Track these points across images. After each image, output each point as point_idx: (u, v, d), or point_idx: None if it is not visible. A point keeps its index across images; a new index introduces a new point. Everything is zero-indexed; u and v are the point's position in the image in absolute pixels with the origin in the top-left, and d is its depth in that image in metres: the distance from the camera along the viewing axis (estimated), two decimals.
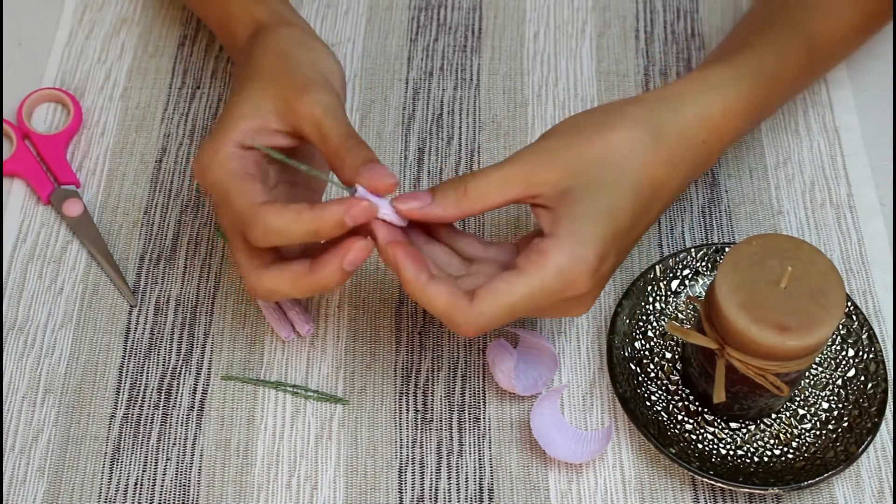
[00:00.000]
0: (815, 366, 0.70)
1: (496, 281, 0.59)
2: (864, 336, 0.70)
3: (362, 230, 0.60)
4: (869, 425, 0.66)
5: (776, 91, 0.68)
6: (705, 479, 0.65)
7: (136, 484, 0.67)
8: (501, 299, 0.58)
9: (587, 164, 0.60)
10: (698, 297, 0.72)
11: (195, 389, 0.70)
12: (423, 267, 0.59)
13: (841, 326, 0.70)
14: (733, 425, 0.68)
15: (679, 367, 0.70)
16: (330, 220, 0.58)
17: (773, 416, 0.69)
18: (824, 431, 0.68)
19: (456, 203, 0.60)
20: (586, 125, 0.62)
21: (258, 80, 0.64)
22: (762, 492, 0.65)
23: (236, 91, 0.64)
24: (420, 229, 0.63)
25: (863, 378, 0.69)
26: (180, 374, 0.71)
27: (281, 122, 0.62)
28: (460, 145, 0.80)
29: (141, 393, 0.70)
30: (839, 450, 0.66)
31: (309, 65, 0.65)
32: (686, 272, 0.73)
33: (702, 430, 0.68)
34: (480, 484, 0.67)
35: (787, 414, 0.69)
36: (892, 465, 0.68)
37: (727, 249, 0.73)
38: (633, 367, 0.70)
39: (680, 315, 0.72)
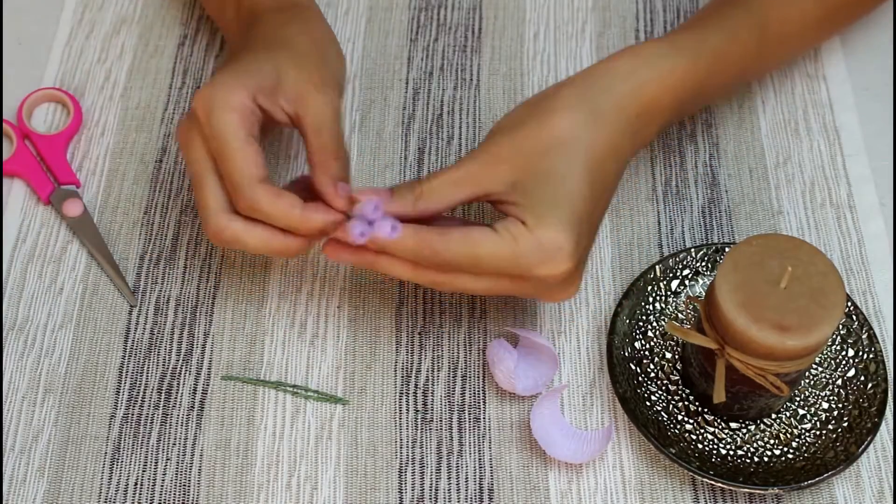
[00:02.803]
0: (815, 366, 0.70)
1: (472, 227, 0.62)
2: (864, 336, 0.70)
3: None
4: (869, 425, 0.66)
5: (720, 69, 0.69)
6: (705, 479, 0.65)
7: (136, 484, 0.67)
8: (470, 245, 0.61)
9: (533, 157, 0.62)
10: (698, 297, 0.72)
11: (195, 389, 0.70)
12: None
13: (841, 326, 0.70)
14: (733, 425, 0.68)
15: (679, 367, 0.70)
16: (314, 226, 0.62)
17: (773, 416, 0.69)
18: (824, 431, 0.68)
19: (412, 203, 0.63)
20: (527, 116, 0.64)
21: (287, 52, 0.66)
22: (762, 492, 0.65)
23: (259, 47, 0.67)
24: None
25: (863, 378, 0.69)
26: (180, 374, 0.71)
27: (289, 101, 0.65)
28: (460, 145, 0.80)
29: (141, 393, 0.70)
30: (839, 450, 0.66)
31: (334, 61, 0.69)
32: (686, 272, 0.73)
33: (702, 430, 0.68)
34: (480, 484, 0.67)
35: (787, 414, 0.69)
36: (892, 465, 0.68)
37: (727, 249, 0.73)
38: (633, 367, 0.70)
39: (680, 315, 0.72)
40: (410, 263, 0.63)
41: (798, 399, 0.69)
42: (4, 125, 0.80)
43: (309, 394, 0.70)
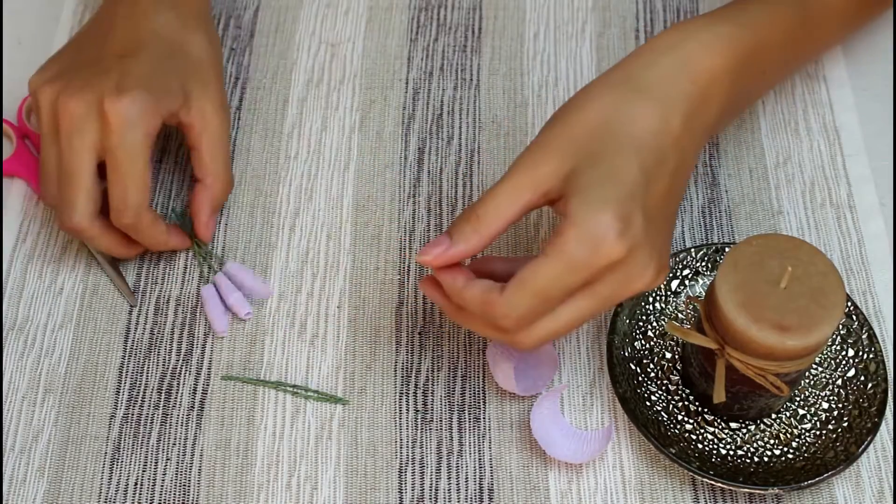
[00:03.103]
0: (815, 366, 0.70)
1: (521, 270, 0.59)
2: (864, 336, 0.70)
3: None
4: (869, 425, 0.66)
5: (766, 39, 0.67)
6: (705, 479, 0.65)
7: (136, 484, 0.67)
8: (528, 284, 0.58)
9: (581, 142, 0.60)
10: (698, 297, 0.72)
11: (195, 389, 0.70)
12: (458, 275, 0.61)
13: (841, 326, 0.70)
14: (733, 425, 0.68)
15: (679, 367, 0.70)
16: (169, 247, 0.74)
17: (773, 416, 0.69)
18: (824, 431, 0.68)
19: (475, 232, 0.60)
20: (570, 108, 0.62)
21: (192, 66, 0.74)
22: (762, 492, 0.65)
23: (166, 62, 0.72)
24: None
25: (863, 378, 0.69)
26: (180, 374, 0.71)
27: (190, 117, 0.72)
28: (460, 145, 0.80)
29: (141, 393, 0.70)
30: (839, 450, 0.66)
31: (221, 63, 0.77)
32: (686, 272, 0.73)
33: (702, 430, 0.68)
34: (480, 484, 0.67)
35: (787, 414, 0.69)
36: (892, 465, 0.68)
37: (727, 249, 0.73)
38: (633, 367, 0.70)
39: (680, 315, 0.72)
40: (489, 323, 0.61)
41: (798, 399, 0.69)
42: (4, 125, 0.80)
43: (309, 394, 0.70)
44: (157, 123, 0.69)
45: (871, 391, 0.68)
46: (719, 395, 0.64)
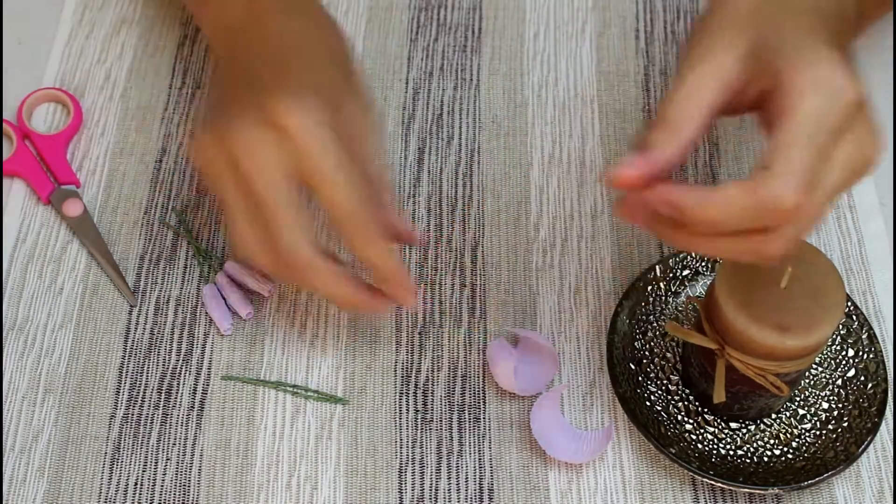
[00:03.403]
0: (815, 366, 0.70)
1: (780, 126, 0.51)
2: (864, 336, 0.70)
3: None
4: (869, 425, 0.66)
5: None
6: (705, 479, 0.65)
7: (136, 484, 0.67)
8: (801, 129, 0.50)
9: (749, 18, 0.54)
10: (698, 297, 0.72)
11: (195, 389, 0.70)
12: (692, 191, 0.51)
13: (841, 326, 0.70)
14: (733, 425, 0.68)
15: (679, 367, 0.70)
16: (401, 278, 0.62)
17: (773, 416, 0.69)
18: (824, 431, 0.68)
19: (669, 140, 0.52)
20: None
21: (339, 60, 0.64)
22: (762, 492, 0.65)
23: (322, 61, 0.62)
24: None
25: (863, 378, 0.69)
26: (180, 374, 0.71)
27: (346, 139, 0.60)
28: (460, 145, 0.80)
29: (141, 393, 0.70)
30: (839, 450, 0.66)
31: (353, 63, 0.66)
32: (686, 272, 0.73)
33: (702, 430, 0.68)
34: (480, 484, 0.67)
35: (787, 414, 0.69)
36: (892, 465, 0.68)
37: None
38: (633, 367, 0.70)
39: (680, 315, 0.72)
40: (758, 224, 0.51)
41: (798, 399, 0.69)
42: (4, 125, 0.80)
43: (309, 394, 0.70)
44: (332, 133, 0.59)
45: (871, 391, 0.68)
46: (719, 395, 0.64)
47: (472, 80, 0.83)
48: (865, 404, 0.68)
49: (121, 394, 0.70)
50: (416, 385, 0.71)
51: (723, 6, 0.56)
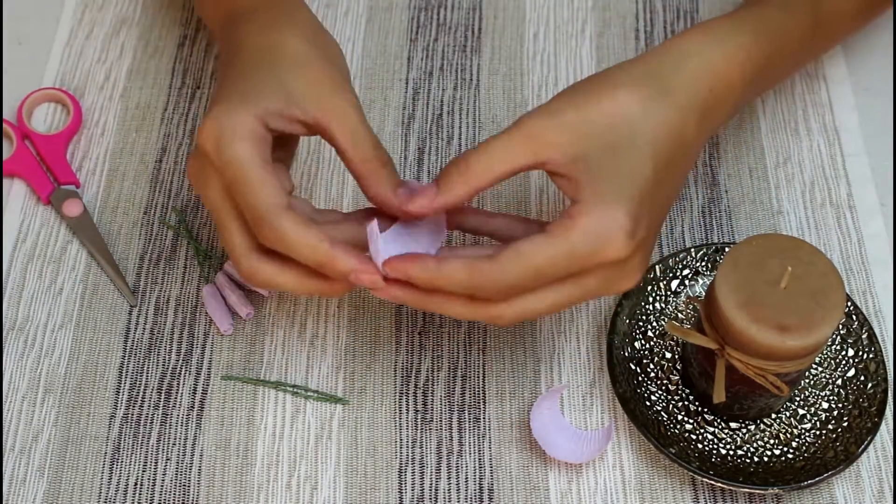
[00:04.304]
0: (815, 366, 0.70)
1: (520, 241, 0.57)
2: (864, 336, 0.70)
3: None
4: (869, 425, 0.66)
5: (781, 47, 0.66)
6: (705, 479, 0.65)
7: (136, 484, 0.67)
8: (526, 258, 0.57)
9: (598, 128, 0.58)
10: (698, 297, 0.72)
11: (195, 389, 0.70)
12: (426, 259, 0.58)
13: (841, 326, 0.70)
14: (733, 425, 0.68)
15: (679, 367, 0.70)
16: (336, 268, 0.58)
17: (773, 416, 0.69)
18: (824, 431, 0.68)
19: (462, 183, 0.58)
20: (592, 87, 0.60)
21: (287, 60, 0.62)
22: (762, 492, 0.65)
23: (252, 61, 0.62)
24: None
25: (863, 378, 0.69)
26: (180, 374, 0.71)
27: (307, 112, 0.61)
28: (460, 145, 0.80)
29: (141, 393, 0.70)
30: (839, 450, 0.66)
31: (336, 55, 0.64)
32: (686, 272, 0.73)
33: (702, 430, 0.68)
34: (480, 484, 0.67)
35: (787, 414, 0.69)
36: (892, 465, 0.68)
37: (727, 249, 0.73)
38: (633, 367, 0.70)
39: (680, 315, 0.72)
40: (466, 299, 0.58)
41: (798, 399, 0.69)
42: (4, 125, 0.80)
43: (309, 394, 0.70)
44: (252, 126, 0.59)
45: (871, 391, 0.68)
46: (719, 395, 0.64)
47: (472, 80, 0.83)
48: (865, 404, 0.68)
49: (121, 394, 0.70)
50: (416, 385, 0.71)
51: (582, 104, 0.59)
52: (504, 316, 0.59)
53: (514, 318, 0.59)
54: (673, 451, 0.66)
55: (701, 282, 0.73)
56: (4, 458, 0.68)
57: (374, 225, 0.58)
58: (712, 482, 0.65)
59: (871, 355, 0.69)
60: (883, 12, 0.78)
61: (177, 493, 0.67)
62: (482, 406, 0.70)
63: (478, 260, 0.57)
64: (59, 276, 0.75)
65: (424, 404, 0.70)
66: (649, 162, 0.58)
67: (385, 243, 0.59)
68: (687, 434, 0.68)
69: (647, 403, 0.68)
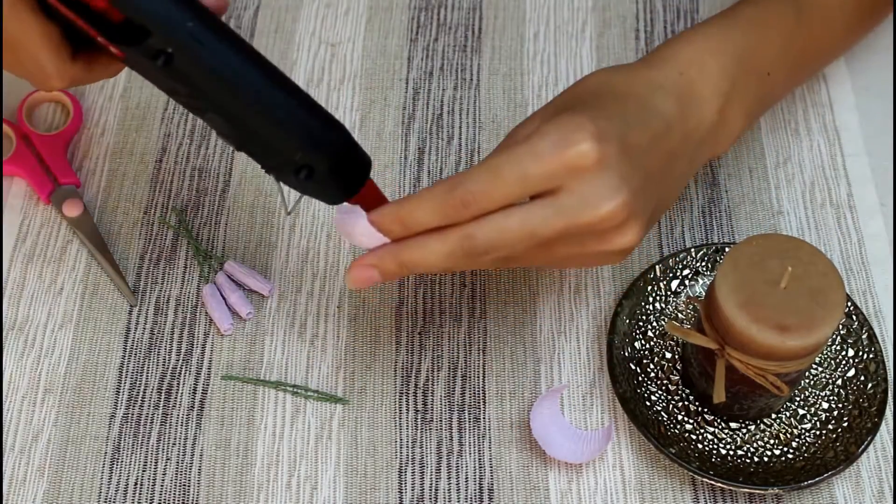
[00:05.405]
0: (815, 366, 0.70)
1: (489, 156, 0.58)
2: (864, 336, 0.70)
3: None
4: (869, 425, 0.66)
5: (758, 44, 0.67)
6: (705, 479, 0.65)
7: (136, 484, 0.67)
8: (486, 164, 0.56)
9: (575, 93, 0.62)
10: (698, 297, 0.72)
11: (195, 389, 0.70)
12: (388, 204, 0.58)
13: (841, 326, 0.70)
14: (733, 425, 0.68)
15: (679, 367, 0.70)
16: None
17: (773, 416, 0.69)
18: (824, 431, 0.68)
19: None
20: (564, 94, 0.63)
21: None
22: (762, 492, 0.65)
23: None
24: None
25: (863, 378, 0.69)
26: (180, 374, 0.71)
27: None
28: (460, 145, 0.80)
29: (141, 393, 0.70)
30: (839, 450, 0.66)
31: None
32: (686, 272, 0.73)
33: (702, 430, 0.68)
34: (480, 484, 0.67)
35: (787, 414, 0.69)
36: (892, 465, 0.68)
37: (727, 249, 0.73)
38: (633, 367, 0.70)
39: (680, 315, 0.72)
40: (438, 232, 0.57)
41: (798, 399, 0.69)
42: (4, 125, 0.80)
43: (309, 394, 0.70)
44: None
45: (871, 391, 0.68)
46: (719, 395, 0.64)
47: (472, 80, 0.83)
48: (865, 404, 0.68)
49: (121, 394, 0.70)
50: (416, 385, 0.71)
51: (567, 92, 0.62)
52: (476, 235, 0.56)
53: (487, 239, 0.57)
54: (673, 451, 0.66)
55: (701, 282, 0.73)
56: (4, 458, 0.68)
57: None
58: (712, 482, 0.65)
59: (871, 355, 0.69)
60: (881, 15, 0.77)
61: (177, 493, 0.67)
62: (482, 406, 0.70)
63: (439, 181, 0.57)
64: (59, 275, 0.75)
65: (424, 404, 0.70)
66: (622, 106, 0.60)
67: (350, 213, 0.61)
68: (687, 434, 0.68)
69: (647, 403, 0.69)
